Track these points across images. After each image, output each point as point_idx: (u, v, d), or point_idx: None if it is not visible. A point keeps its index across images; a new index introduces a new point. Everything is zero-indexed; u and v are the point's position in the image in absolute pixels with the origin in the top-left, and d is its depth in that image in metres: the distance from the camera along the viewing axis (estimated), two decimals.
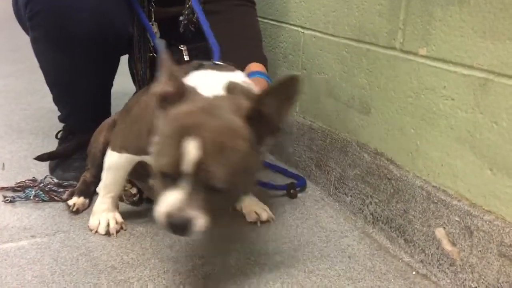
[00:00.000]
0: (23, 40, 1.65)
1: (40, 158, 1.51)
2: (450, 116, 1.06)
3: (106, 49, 1.36)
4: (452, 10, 1.03)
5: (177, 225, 0.85)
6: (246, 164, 0.88)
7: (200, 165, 0.82)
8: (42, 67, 1.44)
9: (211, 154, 0.82)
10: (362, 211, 1.34)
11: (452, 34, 1.04)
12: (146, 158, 1.13)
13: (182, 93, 0.90)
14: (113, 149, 1.20)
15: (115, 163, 1.20)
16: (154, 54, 1.44)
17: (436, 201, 1.10)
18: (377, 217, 1.29)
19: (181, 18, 1.43)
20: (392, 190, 1.24)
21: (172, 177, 0.85)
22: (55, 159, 1.52)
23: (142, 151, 1.10)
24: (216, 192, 0.85)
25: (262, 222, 1.32)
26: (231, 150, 0.84)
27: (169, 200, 0.85)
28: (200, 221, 0.85)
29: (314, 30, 1.50)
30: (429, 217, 1.12)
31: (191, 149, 0.82)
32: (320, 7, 1.47)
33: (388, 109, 1.24)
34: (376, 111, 1.29)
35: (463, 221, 1.04)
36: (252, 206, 1.34)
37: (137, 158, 1.16)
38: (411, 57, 1.15)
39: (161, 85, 0.91)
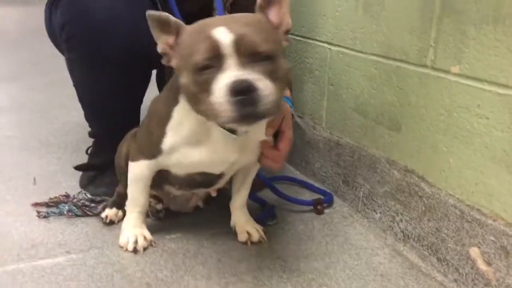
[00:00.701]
0: (45, 53, 1.70)
1: (79, 168, 1.55)
2: (485, 134, 1.06)
3: (139, 70, 1.39)
4: (486, 29, 1.03)
5: (244, 88, 0.85)
6: (274, 36, 0.97)
7: (238, 39, 0.88)
8: (75, 85, 1.47)
9: (243, 28, 0.90)
10: (392, 228, 1.34)
11: (486, 53, 1.04)
12: (162, 162, 1.16)
13: (178, 28, 0.97)
14: (132, 160, 1.23)
15: (134, 174, 1.22)
16: None
17: (470, 220, 1.10)
18: (408, 235, 1.28)
19: None
20: (423, 208, 1.23)
21: (213, 65, 0.88)
22: (92, 171, 1.55)
23: (156, 150, 1.13)
24: (262, 61, 0.89)
25: (253, 243, 1.30)
26: (258, 24, 0.94)
27: (226, 76, 0.87)
28: (265, 82, 0.88)
29: (341, 46, 1.51)
30: (463, 236, 1.12)
31: (224, 31, 0.88)
32: (347, 23, 1.48)
33: (419, 127, 1.24)
34: (406, 128, 1.29)
35: (498, 241, 1.03)
36: (244, 225, 1.32)
37: (154, 164, 1.17)
38: (443, 75, 1.15)
39: (166, 34, 0.99)
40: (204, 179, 1.20)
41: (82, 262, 1.18)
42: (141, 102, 1.56)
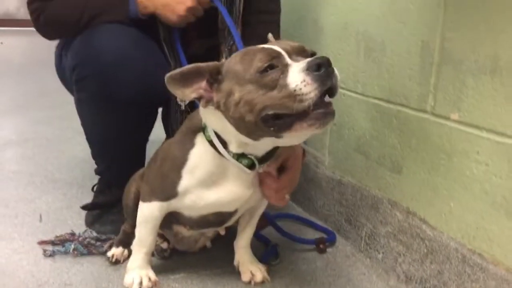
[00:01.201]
0: (51, 85, 1.73)
1: (85, 207, 1.58)
2: (484, 181, 1.08)
3: (147, 109, 1.43)
4: (484, 79, 1.07)
5: (325, 61, 0.92)
6: None
7: (286, 43, 1.01)
8: (84, 125, 1.50)
9: (287, 40, 1.04)
10: (395, 269, 1.35)
11: (484, 102, 1.07)
12: (175, 204, 1.18)
13: (217, 66, 1.03)
14: (143, 201, 1.24)
15: (144, 215, 1.24)
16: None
17: (472, 264, 1.12)
18: (411, 277, 1.30)
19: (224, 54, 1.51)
20: (425, 250, 1.25)
21: (275, 64, 0.95)
22: (98, 209, 1.57)
23: (171, 193, 1.15)
24: (309, 57, 0.97)
25: (256, 283, 1.31)
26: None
27: (297, 64, 0.94)
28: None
29: (343, 88, 1.55)
30: (465, 280, 1.13)
31: (275, 44, 1.00)
32: (349, 67, 1.52)
33: (420, 170, 1.27)
34: (407, 171, 1.31)
35: (500, 286, 1.05)
36: (248, 265, 1.34)
37: (165, 206, 1.20)
38: (443, 121, 1.19)
39: (195, 84, 1.03)
40: (217, 218, 1.22)
41: None
42: (147, 140, 1.60)
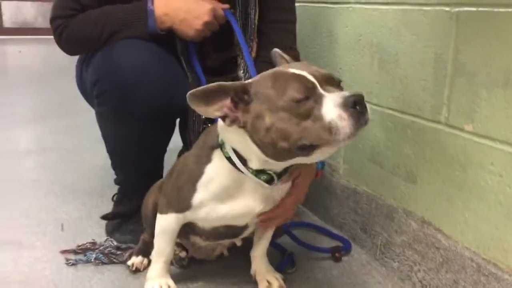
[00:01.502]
0: (70, 93, 1.77)
1: (105, 217, 1.62)
2: (499, 192, 1.10)
3: (165, 121, 1.46)
4: (496, 91, 1.08)
5: (361, 98, 0.94)
6: None
7: (317, 72, 1.00)
8: (104, 136, 1.54)
9: (311, 65, 1.04)
10: (410, 278, 1.36)
11: (497, 114, 1.09)
12: (189, 216, 1.21)
13: (245, 86, 1.03)
14: (160, 212, 1.27)
15: (162, 226, 1.27)
16: (209, 125, 1.53)
17: (486, 274, 1.13)
18: (426, 285, 1.31)
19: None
20: (441, 259, 1.26)
21: (309, 95, 0.96)
22: (118, 219, 1.61)
23: (185, 205, 1.18)
24: (338, 86, 1.02)
25: None
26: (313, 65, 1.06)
27: (332, 97, 0.96)
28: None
29: None
30: None
31: (304, 70, 1.00)
32: (363, 78, 1.54)
33: (434, 180, 1.28)
34: (422, 181, 1.33)
35: None
36: (264, 274, 1.36)
37: (181, 217, 1.23)
38: (457, 132, 1.20)
39: (218, 102, 1.03)
40: (228, 230, 1.25)
41: None
42: (165, 150, 1.63)
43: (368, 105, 0.96)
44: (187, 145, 1.66)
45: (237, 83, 1.05)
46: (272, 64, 1.51)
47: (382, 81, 1.45)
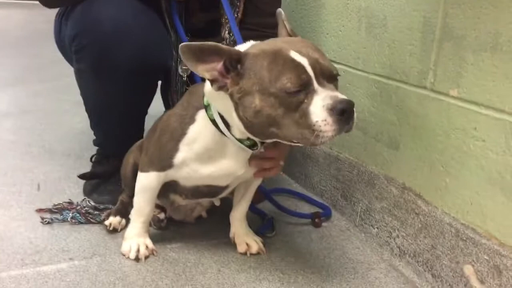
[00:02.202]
0: (49, 57, 1.73)
1: (83, 176, 1.58)
2: (481, 157, 1.09)
3: (146, 80, 1.42)
4: (484, 55, 1.07)
5: (350, 107, 0.94)
6: None
7: (318, 63, 0.97)
8: (83, 95, 1.50)
9: (315, 53, 0.99)
10: (389, 244, 1.37)
11: (483, 79, 1.08)
12: (171, 174, 1.20)
13: (240, 55, 0.99)
14: (141, 170, 1.26)
15: (143, 184, 1.25)
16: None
17: (465, 238, 1.13)
18: (404, 251, 1.32)
19: None
20: (420, 225, 1.26)
21: (302, 88, 0.94)
22: (96, 179, 1.58)
23: (167, 163, 1.17)
24: (334, 81, 1.00)
25: (252, 254, 1.33)
26: (318, 48, 1.03)
27: (323, 97, 0.94)
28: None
29: (343, 64, 1.55)
30: (458, 254, 1.15)
31: (303, 55, 0.96)
32: (350, 43, 1.52)
33: (417, 146, 1.28)
34: (404, 147, 1.32)
35: (492, 260, 1.07)
36: (243, 237, 1.36)
37: (163, 176, 1.21)
38: (442, 97, 1.19)
39: (210, 63, 1.00)
40: (210, 190, 1.23)
41: (85, 269, 1.21)
42: (146, 112, 1.60)
43: (355, 115, 0.96)
44: (169, 107, 1.63)
45: (233, 49, 1.01)
46: (256, 31, 1.48)
47: (369, 46, 1.43)
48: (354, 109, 0.95)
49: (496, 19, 1.04)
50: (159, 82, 1.67)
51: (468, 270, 1.12)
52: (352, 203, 1.54)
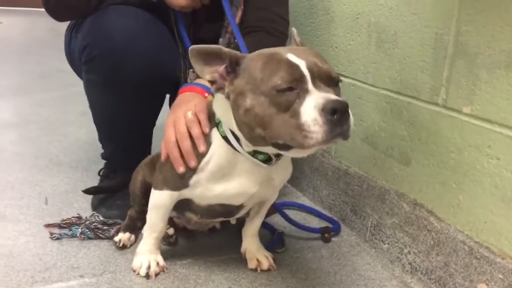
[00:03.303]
0: (53, 66, 1.74)
1: (88, 191, 1.57)
2: (495, 175, 1.09)
3: (155, 91, 1.43)
4: (498, 73, 1.07)
5: (343, 107, 0.88)
6: None
7: (315, 64, 0.94)
8: (92, 106, 1.50)
9: (312, 56, 0.96)
10: (400, 260, 1.36)
11: (498, 97, 1.07)
12: (185, 193, 1.19)
13: (238, 57, 1.00)
14: (155, 188, 1.24)
15: (156, 202, 1.24)
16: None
17: (479, 257, 1.13)
18: (416, 267, 1.31)
19: None
20: (432, 242, 1.26)
21: (295, 87, 0.91)
22: (101, 194, 1.57)
23: (181, 183, 1.16)
24: (334, 86, 0.96)
25: (262, 270, 1.32)
26: (319, 55, 1.00)
27: (316, 97, 0.90)
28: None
29: (353, 78, 1.55)
30: (471, 272, 1.14)
31: (299, 57, 0.94)
32: (360, 57, 1.52)
33: (429, 162, 1.27)
34: (416, 163, 1.32)
35: (507, 279, 1.06)
36: (254, 253, 1.35)
37: (176, 195, 1.20)
38: (455, 114, 1.19)
39: (214, 66, 1.00)
40: (224, 209, 1.22)
41: (96, 287, 1.20)
42: (153, 125, 1.60)
43: (351, 118, 0.90)
44: None
45: (233, 52, 1.01)
46: (256, 34, 1.48)
47: (379, 61, 1.43)
48: (350, 112, 0.90)
49: (510, 37, 1.03)
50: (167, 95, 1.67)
51: None
52: (362, 218, 1.53)
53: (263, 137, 0.97)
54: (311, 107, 0.89)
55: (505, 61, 1.05)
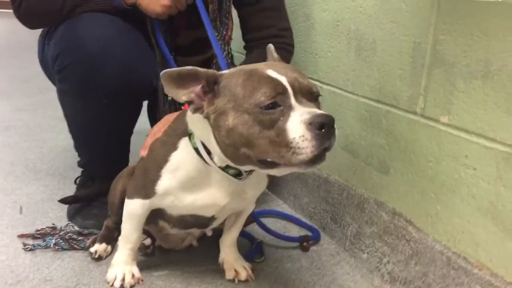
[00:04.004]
0: (34, 70, 1.70)
1: (64, 201, 1.53)
2: (472, 185, 1.08)
3: (131, 100, 1.40)
4: (475, 83, 1.06)
5: (330, 121, 0.88)
6: None
7: (296, 80, 0.93)
8: (66, 116, 1.47)
9: (292, 72, 0.95)
10: (379, 270, 1.35)
11: (474, 106, 1.07)
12: (156, 203, 1.17)
13: (216, 76, 0.97)
14: (128, 197, 1.23)
15: (128, 211, 1.22)
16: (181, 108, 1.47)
17: (456, 267, 1.12)
18: (395, 277, 1.30)
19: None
20: (410, 252, 1.25)
21: (278, 103, 0.90)
22: (78, 203, 1.54)
23: (150, 191, 1.14)
24: (315, 101, 0.96)
25: (240, 281, 1.30)
26: (298, 70, 1.00)
27: (301, 112, 0.89)
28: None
29: (333, 86, 1.54)
30: (449, 283, 1.13)
31: (279, 73, 0.93)
32: (339, 65, 1.50)
33: (407, 171, 1.26)
34: (395, 172, 1.31)
35: None
36: (232, 263, 1.33)
37: (148, 203, 1.18)
38: (432, 123, 1.18)
39: (190, 87, 0.97)
40: (196, 220, 1.20)
41: None
42: (131, 133, 1.57)
43: (336, 131, 0.90)
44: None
45: (210, 71, 0.97)
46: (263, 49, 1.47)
47: (358, 68, 1.42)
48: (335, 125, 0.89)
49: (487, 48, 1.03)
50: (145, 102, 1.65)
51: None
52: (342, 226, 1.52)
53: (248, 155, 0.94)
54: (297, 123, 0.88)
55: (482, 71, 1.04)
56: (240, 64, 1.42)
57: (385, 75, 1.32)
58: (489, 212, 1.05)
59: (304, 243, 1.50)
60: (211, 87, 0.97)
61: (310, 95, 0.95)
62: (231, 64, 1.55)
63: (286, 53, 1.54)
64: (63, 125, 1.53)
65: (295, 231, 1.60)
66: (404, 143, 1.27)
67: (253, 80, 0.93)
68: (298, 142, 0.87)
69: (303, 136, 0.87)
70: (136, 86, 1.38)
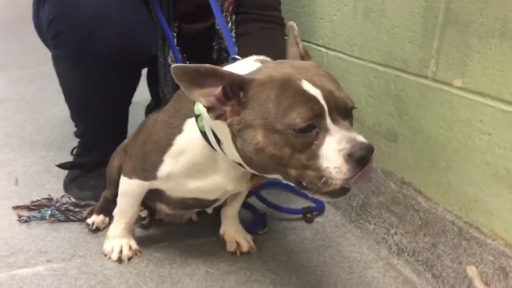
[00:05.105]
0: (33, 42, 1.64)
1: (62, 166, 1.49)
2: (487, 151, 1.02)
3: (128, 69, 1.33)
4: (491, 43, 0.99)
5: (368, 154, 0.78)
6: None
7: (333, 96, 0.83)
8: (62, 84, 1.41)
9: (329, 82, 0.85)
10: (386, 241, 1.30)
11: (491, 68, 1.00)
12: (155, 184, 1.11)
13: (244, 81, 0.85)
14: (124, 175, 1.17)
15: (126, 190, 1.17)
16: None
17: (468, 238, 1.07)
18: (403, 249, 1.25)
19: (213, 44, 1.41)
20: (419, 222, 1.20)
21: (314, 125, 0.81)
22: (77, 169, 1.49)
23: (150, 175, 1.07)
24: (350, 117, 0.87)
25: (242, 253, 1.26)
26: (332, 76, 0.90)
27: (338, 139, 0.80)
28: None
29: (338, 51, 1.47)
30: (460, 254, 1.08)
31: (316, 86, 0.82)
32: (345, 29, 1.43)
33: (417, 139, 1.20)
34: (404, 140, 1.25)
35: (497, 261, 1.00)
36: (234, 235, 1.28)
37: (147, 184, 1.12)
38: (445, 88, 1.11)
39: (207, 87, 0.85)
40: (198, 202, 1.15)
41: (64, 272, 1.13)
42: (129, 102, 1.51)
43: (374, 162, 0.81)
44: (156, 99, 1.55)
45: (235, 74, 0.85)
46: (252, 23, 1.40)
47: (366, 32, 1.35)
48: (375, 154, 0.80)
49: (505, 4, 0.96)
50: (144, 71, 1.58)
51: (472, 271, 1.06)
52: (347, 197, 1.47)
53: (278, 172, 0.87)
54: (334, 151, 0.79)
55: (499, 30, 0.97)
56: (244, 44, 1.35)
57: (394, 37, 1.25)
58: (504, 179, 0.99)
59: (308, 215, 1.45)
60: (236, 93, 0.86)
61: (346, 112, 0.85)
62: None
63: (276, 30, 1.44)
64: (60, 96, 1.47)
65: (300, 203, 1.55)
66: (414, 109, 1.21)
67: (287, 96, 0.82)
68: (331, 173, 0.79)
69: (338, 168, 0.79)
70: (134, 51, 1.31)
